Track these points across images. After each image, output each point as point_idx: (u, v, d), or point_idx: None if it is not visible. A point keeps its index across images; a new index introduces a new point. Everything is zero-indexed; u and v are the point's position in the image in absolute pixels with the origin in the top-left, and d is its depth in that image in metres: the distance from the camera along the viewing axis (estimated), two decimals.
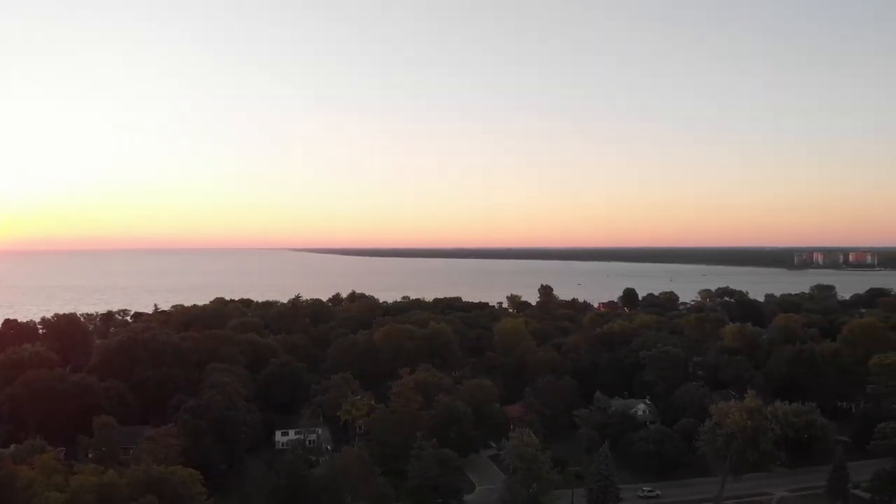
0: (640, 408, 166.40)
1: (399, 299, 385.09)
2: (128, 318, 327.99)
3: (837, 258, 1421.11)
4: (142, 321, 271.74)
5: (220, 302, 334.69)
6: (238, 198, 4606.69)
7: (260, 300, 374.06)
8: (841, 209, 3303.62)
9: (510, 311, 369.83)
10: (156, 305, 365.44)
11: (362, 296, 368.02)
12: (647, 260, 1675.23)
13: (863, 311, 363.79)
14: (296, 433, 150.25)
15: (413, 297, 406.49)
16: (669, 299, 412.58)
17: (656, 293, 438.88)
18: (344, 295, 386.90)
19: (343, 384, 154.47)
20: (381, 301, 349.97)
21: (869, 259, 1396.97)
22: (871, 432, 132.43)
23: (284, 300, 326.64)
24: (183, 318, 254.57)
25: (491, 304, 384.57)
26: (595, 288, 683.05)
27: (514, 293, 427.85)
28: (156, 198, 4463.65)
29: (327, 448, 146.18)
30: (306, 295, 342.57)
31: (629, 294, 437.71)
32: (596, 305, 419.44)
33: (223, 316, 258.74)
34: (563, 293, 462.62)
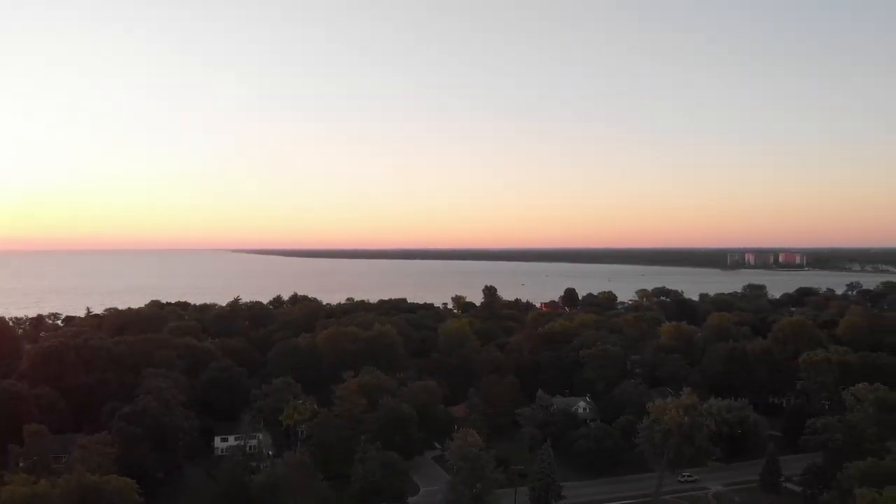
0: (581, 406, 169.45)
1: (343, 301, 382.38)
2: (59, 322, 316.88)
3: (768, 259, 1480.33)
4: (74, 325, 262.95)
5: (155, 305, 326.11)
6: (175, 198, 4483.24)
7: (198, 303, 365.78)
8: (772, 211, 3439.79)
9: (455, 311, 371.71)
10: (88, 309, 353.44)
11: (304, 298, 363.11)
12: (588, 261, 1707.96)
13: (792, 309, 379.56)
14: (236, 439, 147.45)
15: (357, 298, 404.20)
16: (608, 299, 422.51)
17: (596, 293, 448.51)
18: (285, 297, 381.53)
19: (284, 388, 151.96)
20: (324, 303, 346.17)
21: (798, 260, 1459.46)
22: (801, 427, 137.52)
23: (223, 303, 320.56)
24: (117, 322, 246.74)
25: (436, 305, 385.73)
26: (538, 288, 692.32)
27: (459, 294, 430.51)
28: (88, 198, 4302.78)
29: (268, 454, 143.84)
30: (246, 297, 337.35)
31: (570, 294, 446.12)
32: (538, 305, 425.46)
33: (159, 319, 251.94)
34: (506, 293, 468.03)
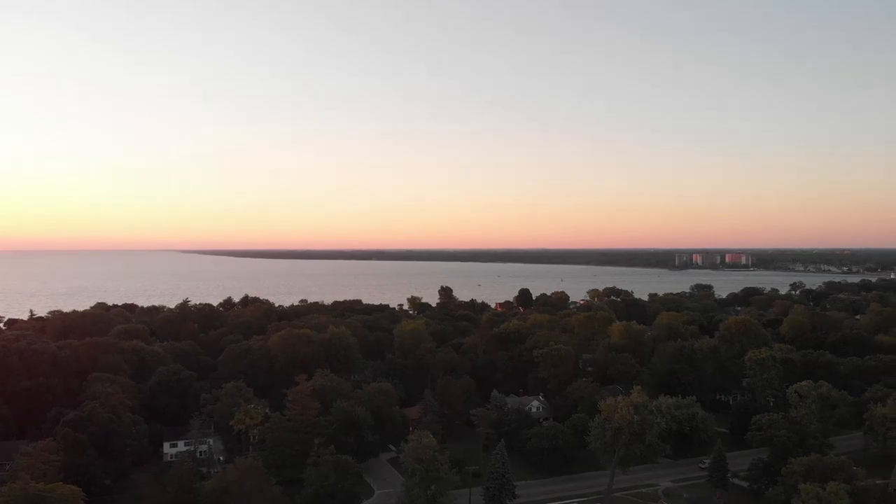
0: (535, 405, 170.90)
1: (296, 303, 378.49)
2: (0, 325, 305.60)
3: (715, 259, 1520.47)
4: (16, 328, 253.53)
5: (101, 307, 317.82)
6: (121, 197, 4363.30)
7: (145, 305, 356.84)
8: (719, 213, 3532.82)
9: (411, 312, 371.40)
10: (31, 311, 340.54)
11: (256, 300, 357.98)
12: (542, 261, 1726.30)
13: (738, 308, 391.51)
14: (185, 444, 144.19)
15: (311, 300, 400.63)
16: (561, 299, 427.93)
17: (549, 293, 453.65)
18: (236, 299, 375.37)
19: (235, 392, 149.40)
20: (276, 305, 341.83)
21: (744, 260, 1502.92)
22: (747, 424, 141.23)
23: (172, 305, 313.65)
24: (61, 325, 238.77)
25: (392, 306, 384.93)
26: (493, 289, 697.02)
27: (414, 295, 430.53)
28: (24, 198, 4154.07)
29: (219, 459, 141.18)
30: (196, 299, 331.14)
31: (524, 294, 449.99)
32: (494, 306, 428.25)
33: (105, 322, 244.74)
34: (462, 294, 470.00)
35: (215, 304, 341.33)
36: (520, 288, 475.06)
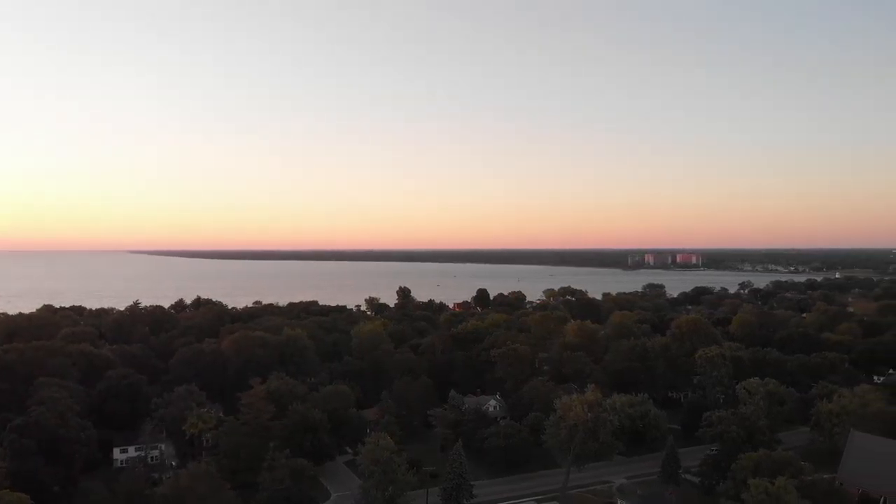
0: (492, 404, 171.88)
1: (250, 304, 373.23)
2: None
3: (666, 259, 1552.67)
4: None
5: (48, 310, 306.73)
6: (70, 197, 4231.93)
7: (94, 307, 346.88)
8: (671, 215, 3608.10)
9: (369, 313, 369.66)
10: None
11: (208, 301, 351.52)
12: (499, 261, 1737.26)
13: (689, 307, 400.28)
14: (136, 450, 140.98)
15: (266, 301, 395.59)
16: (518, 299, 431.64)
17: (506, 293, 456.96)
18: (188, 301, 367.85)
19: (188, 396, 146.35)
20: (229, 307, 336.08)
21: (694, 260, 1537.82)
22: (698, 420, 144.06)
23: (121, 307, 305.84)
24: (6, 328, 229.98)
25: (349, 307, 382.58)
26: (451, 289, 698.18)
27: (372, 296, 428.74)
28: None
29: (171, 464, 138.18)
30: (146, 301, 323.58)
31: (482, 294, 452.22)
32: (452, 306, 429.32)
33: (52, 325, 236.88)
34: (421, 295, 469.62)
35: (166, 306, 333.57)
36: (478, 288, 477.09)
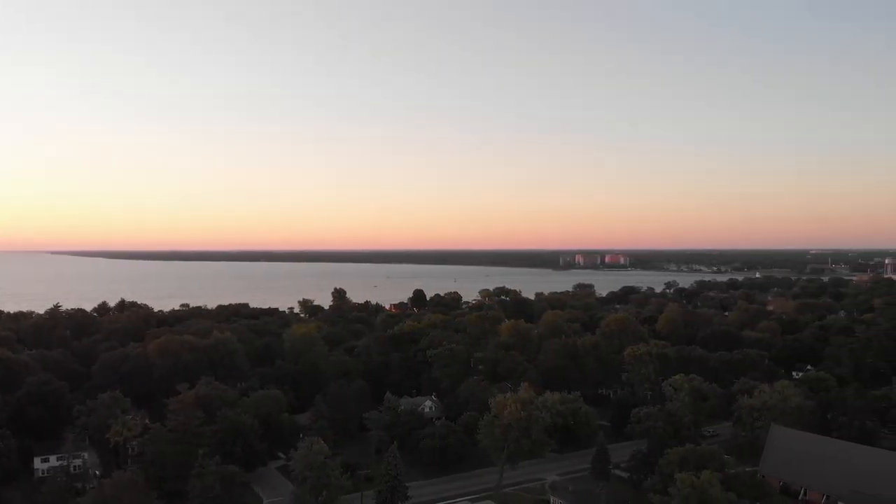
0: (428, 405, 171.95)
1: (177, 307, 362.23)
2: None
3: (596, 260, 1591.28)
4: None
5: None
6: None
7: (11, 310, 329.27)
8: (600, 216, 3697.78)
9: (302, 316, 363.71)
10: None
11: (133, 304, 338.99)
12: (435, 262, 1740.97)
13: (617, 306, 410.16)
14: (58, 459, 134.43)
15: (193, 304, 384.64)
16: (454, 299, 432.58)
17: (443, 293, 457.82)
18: (112, 303, 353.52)
19: (112, 403, 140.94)
20: (155, 310, 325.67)
21: (622, 260, 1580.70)
22: (626, 417, 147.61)
23: (41, 310, 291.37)
24: None
25: (281, 309, 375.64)
26: (388, 290, 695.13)
27: (306, 297, 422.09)
28: None
29: (95, 474, 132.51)
30: (67, 304, 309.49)
31: (418, 295, 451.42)
32: (388, 307, 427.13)
33: None
34: (357, 296, 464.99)
35: (89, 309, 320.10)
36: (414, 289, 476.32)
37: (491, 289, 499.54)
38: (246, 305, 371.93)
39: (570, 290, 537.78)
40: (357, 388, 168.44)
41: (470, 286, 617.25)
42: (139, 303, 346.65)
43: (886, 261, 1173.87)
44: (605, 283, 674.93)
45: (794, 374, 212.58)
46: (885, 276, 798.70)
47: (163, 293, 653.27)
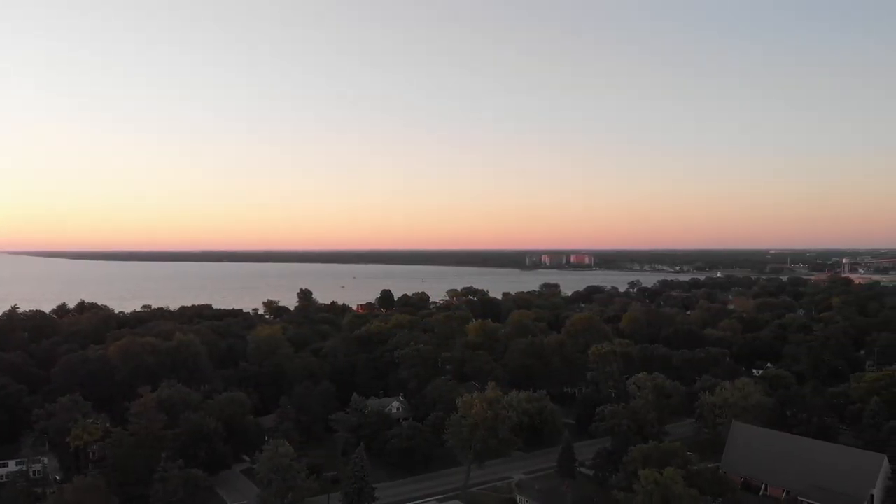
0: (395, 406, 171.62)
1: (138, 309, 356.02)
2: None
3: (561, 260, 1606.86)
4: None
5: None
6: None
7: None
8: (565, 216, 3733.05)
9: (267, 317, 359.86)
10: None
11: (94, 305, 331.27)
12: (403, 262, 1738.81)
13: (582, 305, 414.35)
14: (17, 464, 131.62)
15: (155, 305, 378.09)
16: (422, 299, 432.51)
17: (410, 294, 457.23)
18: (71, 305, 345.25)
19: (72, 406, 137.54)
20: (116, 311, 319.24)
21: (587, 260, 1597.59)
22: (592, 415, 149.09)
23: None
24: None
25: (246, 310, 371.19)
26: (355, 290, 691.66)
27: (271, 298, 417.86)
28: None
29: (56, 479, 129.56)
30: (25, 306, 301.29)
31: (386, 295, 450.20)
32: (355, 308, 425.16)
33: None
34: (324, 297, 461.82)
35: (47, 310, 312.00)
36: (382, 289, 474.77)
37: (459, 289, 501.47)
38: (209, 307, 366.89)
39: (537, 289, 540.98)
40: (323, 389, 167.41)
41: (438, 286, 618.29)
42: (100, 304, 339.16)
43: (844, 260, 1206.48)
44: (570, 283, 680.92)
45: (754, 371, 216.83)
46: (843, 275, 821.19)
47: (124, 294, 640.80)
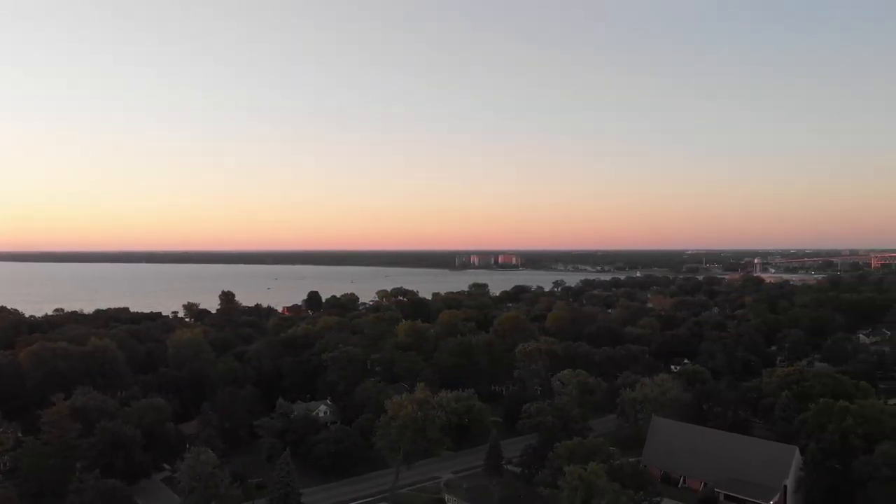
0: (322, 409, 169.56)
1: (50, 312, 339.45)
2: None
3: (490, 260, 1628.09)
4: None
5: None
6: None
7: None
8: (495, 218, 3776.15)
9: (187, 320, 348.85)
10: None
11: (3, 309, 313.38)
12: (332, 263, 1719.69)
13: (510, 305, 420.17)
14: None
15: (69, 309, 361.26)
16: (351, 300, 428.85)
17: (339, 295, 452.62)
18: None
19: None
20: (27, 315, 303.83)
21: (514, 261, 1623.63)
22: (518, 412, 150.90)
23: None
24: None
25: (165, 313, 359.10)
26: (282, 292, 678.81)
27: (191, 301, 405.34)
28: None
29: None
30: None
31: (314, 297, 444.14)
32: (281, 310, 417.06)
33: None
34: (248, 299, 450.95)
35: None
36: (309, 290, 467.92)
37: (389, 289, 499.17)
38: (126, 310, 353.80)
39: (466, 289, 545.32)
40: (247, 394, 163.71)
41: (367, 287, 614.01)
42: (9, 308, 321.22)
43: (756, 260, 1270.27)
44: (498, 283, 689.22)
45: (672, 367, 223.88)
46: (755, 274, 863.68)
47: (35, 297, 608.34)
